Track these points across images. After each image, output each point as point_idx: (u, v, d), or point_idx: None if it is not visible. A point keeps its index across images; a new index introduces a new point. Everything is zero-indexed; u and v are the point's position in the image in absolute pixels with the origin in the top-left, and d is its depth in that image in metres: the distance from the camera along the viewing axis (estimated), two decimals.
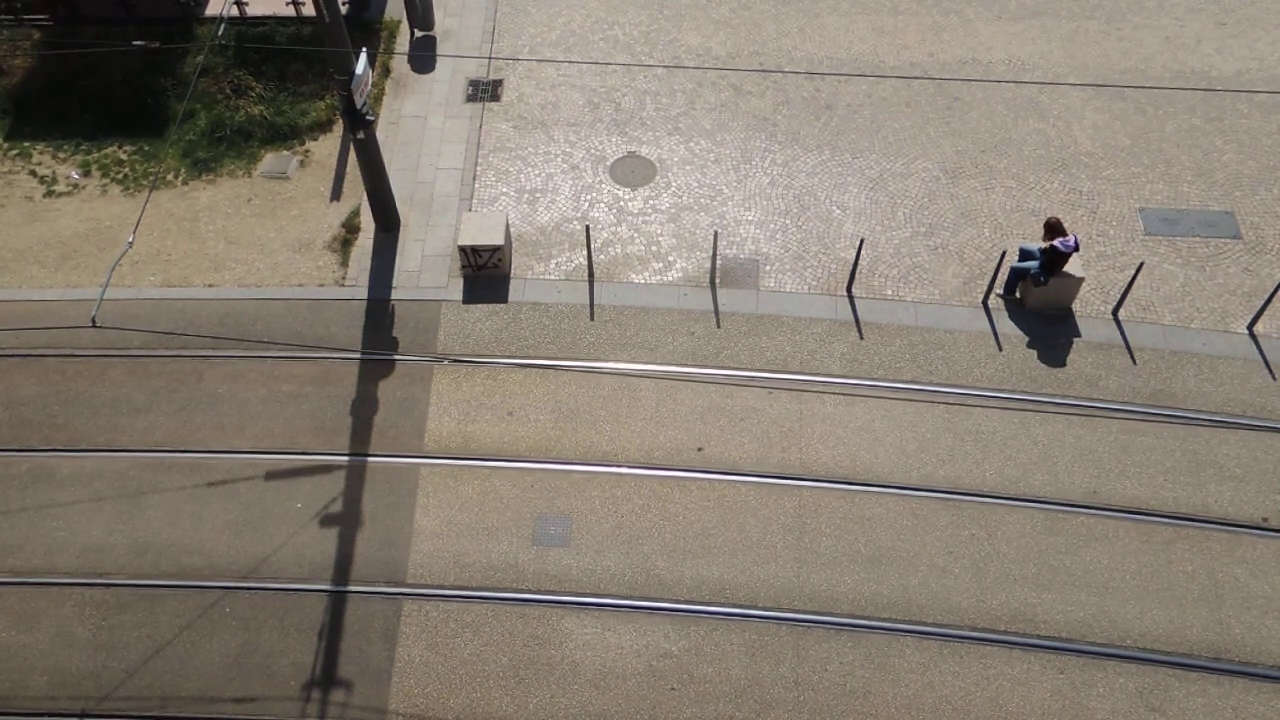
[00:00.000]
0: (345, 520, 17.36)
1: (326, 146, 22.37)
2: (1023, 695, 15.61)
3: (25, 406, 18.79)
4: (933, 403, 18.33)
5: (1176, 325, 19.19)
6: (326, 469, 17.90)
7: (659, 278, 20.04)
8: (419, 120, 22.58)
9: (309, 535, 17.25)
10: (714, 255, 19.73)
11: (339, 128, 22.56)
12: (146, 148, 22.33)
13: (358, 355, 19.14)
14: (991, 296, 19.57)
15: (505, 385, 18.72)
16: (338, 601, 16.66)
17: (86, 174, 22.01)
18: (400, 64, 23.50)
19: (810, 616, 16.31)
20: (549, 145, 22.07)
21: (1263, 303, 19.05)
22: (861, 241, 19.29)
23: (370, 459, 17.97)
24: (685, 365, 18.88)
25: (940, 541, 16.92)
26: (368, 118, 18.46)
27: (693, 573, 16.76)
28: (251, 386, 18.83)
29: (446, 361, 18.99)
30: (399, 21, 24.22)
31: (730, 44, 23.66)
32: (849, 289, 19.73)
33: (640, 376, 18.76)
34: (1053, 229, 18.46)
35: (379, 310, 19.75)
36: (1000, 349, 18.99)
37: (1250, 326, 19.09)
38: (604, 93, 22.90)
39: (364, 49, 18.39)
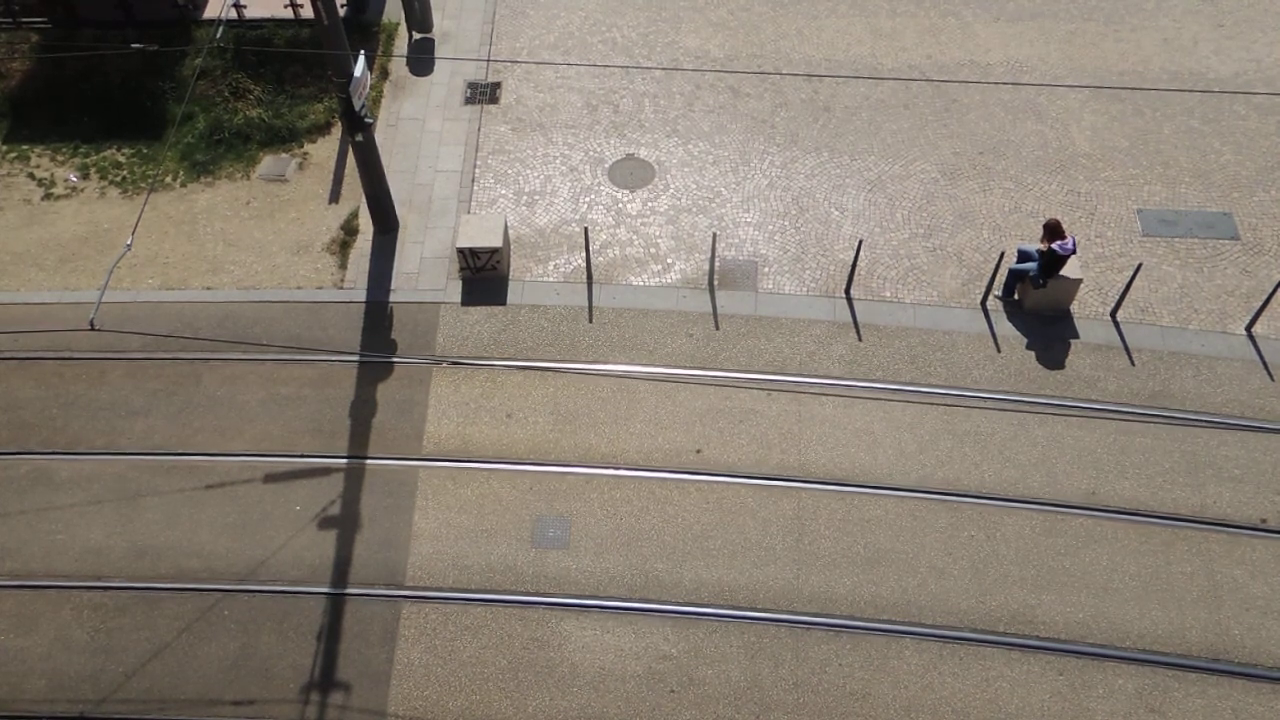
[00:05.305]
0: (344, 523, 17.35)
1: (325, 149, 22.37)
2: (1022, 696, 15.61)
3: (24, 409, 18.77)
4: (931, 404, 18.34)
5: (1175, 326, 19.20)
6: (325, 471, 17.89)
7: (657, 280, 20.04)
8: (417, 123, 22.58)
9: (307, 538, 17.24)
10: (712, 257, 19.74)
11: (337, 130, 22.56)
12: (145, 150, 22.33)
13: (356, 358, 19.13)
14: (990, 298, 19.58)
15: (504, 387, 18.72)
16: (336, 604, 16.65)
17: (85, 177, 22.00)
18: (398, 66, 23.50)
19: (810, 618, 16.30)
20: (547, 147, 22.07)
21: (1261, 304, 19.06)
22: (860, 243, 19.29)
23: (369, 461, 17.96)
24: (684, 367, 18.87)
25: (939, 543, 16.93)
26: (366, 120, 18.46)
27: (692, 574, 16.75)
28: (250, 389, 18.82)
29: (445, 364, 18.98)
30: (397, 24, 24.22)
31: (728, 46, 23.67)
32: (847, 291, 19.73)
33: (639, 379, 18.76)
34: (1051, 231, 18.47)
35: (377, 312, 19.75)
36: (999, 350, 19.00)
37: (1248, 327, 19.10)
38: (602, 95, 22.91)
39: (362, 51, 18.39)
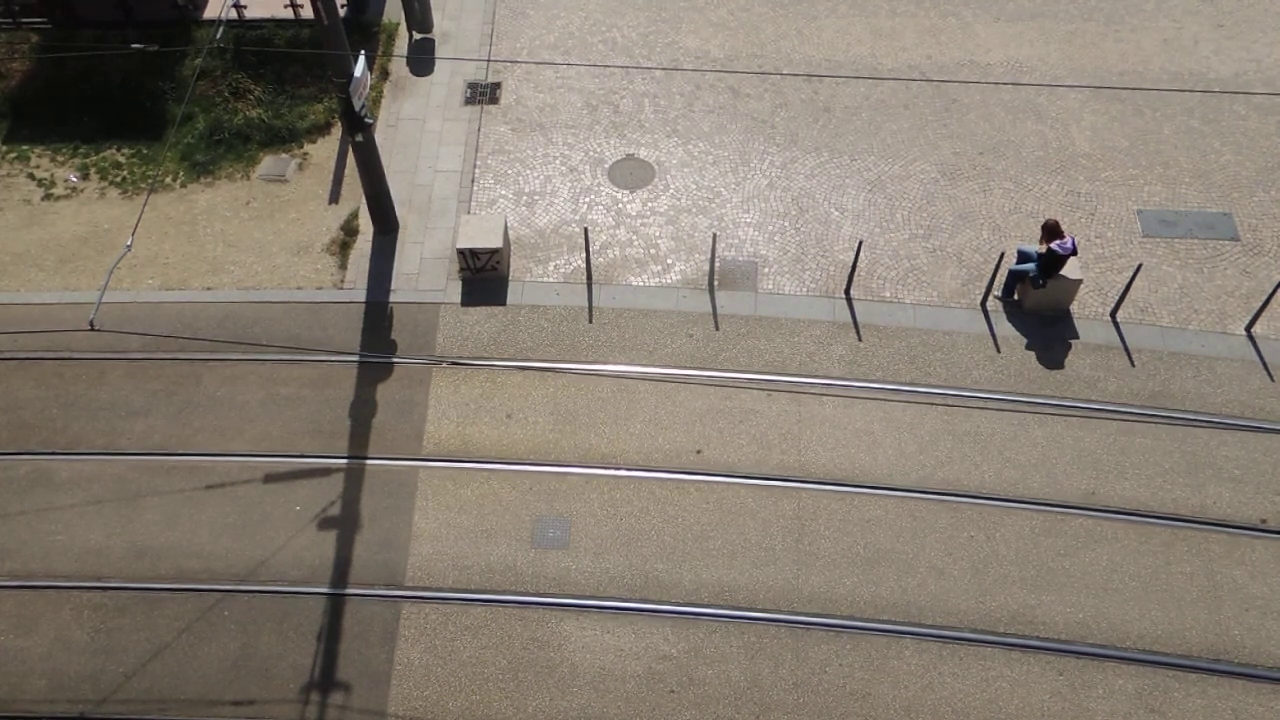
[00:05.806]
0: (344, 523, 17.36)
1: (325, 149, 22.37)
2: (1022, 697, 15.61)
3: (24, 410, 18.77)
4: (931, 404, 18.34)
5: (1174, 327, 19.20)
6: (325, 472, 17.89)
7: (657, 280, 20.04)
8: (417, 123, 22.58)
9: (307, 538, 17.24)
10: (712, 257, 19.74)
11: (337, 130, 22.56)
12: (145, 150, 22.33)
13: (356, 358, 19.14)
14: (990, 299, 19.58)
15: (504, 388, 18.72)
16: (336, 604, 16.66)
17: (85, 177, 22.00)
18: (398, 66, 23.50)
19: (809, 619, 16.31)
20: (547, 148, 22.08)
21: (1260, 304, 19.06)
22: (860, 243, 19.30)
23: (369, 461, 17.97)
24: (684, 368, 18.88)
25: (939, 543, 16.93)
26: (366, 120, 18.46)
27: (692, 575, 16.76)
28: (250, 389, 18.82)
29: (445, 364, 18.98)
30: (397, 24, 24.22)
31: (728, 46, 23.67)
32: (847, 291, 19.73)
33: (639, 379, 18.76)
34: (1051, 231, 18.48)
35: (377, 313, 19.75)
36: (999, 351, 19.00)
37: (1248, 328, 19.10)
38: (602, 95, 22.91)
39: (362, 51, 18.39)
